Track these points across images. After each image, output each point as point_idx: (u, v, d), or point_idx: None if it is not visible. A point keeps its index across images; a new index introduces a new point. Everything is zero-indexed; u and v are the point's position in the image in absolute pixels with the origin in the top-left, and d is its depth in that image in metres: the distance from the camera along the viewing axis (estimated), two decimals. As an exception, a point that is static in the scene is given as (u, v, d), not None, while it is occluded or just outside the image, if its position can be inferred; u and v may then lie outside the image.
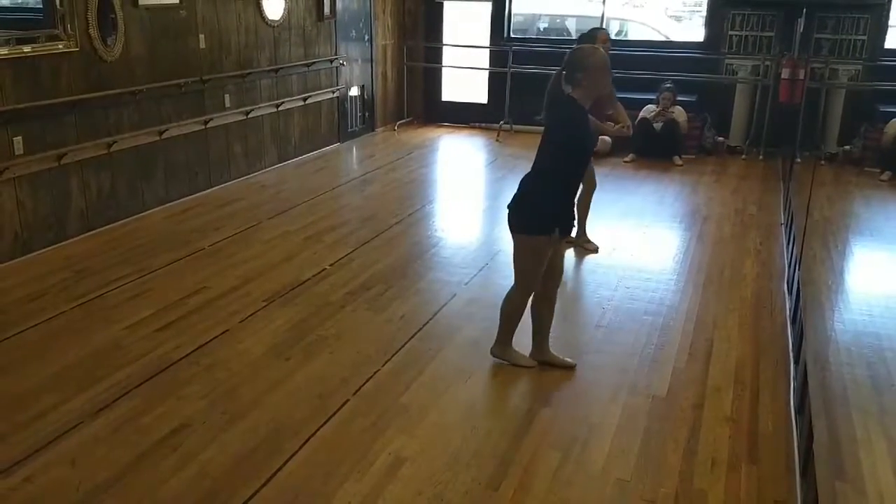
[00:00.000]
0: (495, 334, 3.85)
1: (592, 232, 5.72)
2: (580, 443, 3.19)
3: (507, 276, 5.05)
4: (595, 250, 5.50)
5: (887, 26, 8.39)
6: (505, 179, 7.82)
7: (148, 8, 5.91)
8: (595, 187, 5.64)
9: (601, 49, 3.66)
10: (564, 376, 3.72)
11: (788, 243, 5.42)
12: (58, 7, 5.14)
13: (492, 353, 3.85)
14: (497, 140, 9.38)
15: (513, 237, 3.65)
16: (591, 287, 4.87)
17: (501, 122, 9.64)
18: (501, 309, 3.80)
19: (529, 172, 3.61)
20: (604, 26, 9.46)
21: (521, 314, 3.78)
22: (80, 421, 3.28)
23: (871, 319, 4.69)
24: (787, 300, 4.61)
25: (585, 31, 5.90)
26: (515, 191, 3.63)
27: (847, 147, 8.24)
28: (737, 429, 3.30)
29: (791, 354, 3.93)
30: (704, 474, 2.99)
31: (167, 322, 4.23)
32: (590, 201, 5.65)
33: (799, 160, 7.78)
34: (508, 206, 3.63)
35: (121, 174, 5.86)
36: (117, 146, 5.75)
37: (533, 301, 3.80)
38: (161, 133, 6.16)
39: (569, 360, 3.84)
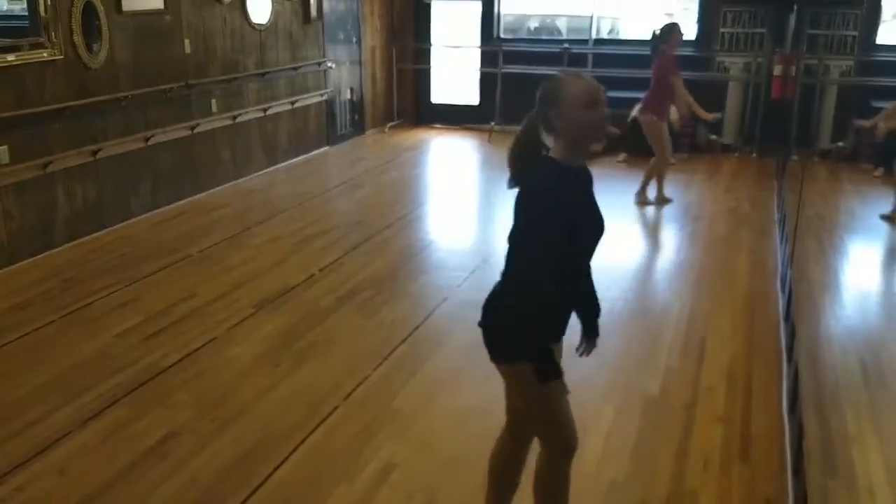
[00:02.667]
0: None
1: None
2: (572, 445, 3.16)
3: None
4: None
5: (879, 21, 8.40)
6: (496, 181, 7.78)
7: (132, 14, 5.87)
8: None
9: (588, 77, 2.27)
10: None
11: (781, 241, 5.41)
12: (42, 15, 5.10)
13: None
14: (488, 141, 9.37)
15: (506, 369, 2.37)
16: (583, 287, 4.85)
17: (492, 124, 9.63)
18: (540, 493, 2.43)
19: (505, 284, 2.36)
20: (592, 24, 9.50)
21: (568, 486, 2.43)
22: (69, 430, 3.25)
23: (863, 316, 4.69)
24: (780, 298, 4.59)
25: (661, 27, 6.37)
26: (486, 304, 2.40)
27: (840, 143, 8.24)
28: (729, 428, 3.28)
29: (784, 353, 3.91)
30: (697, 474, 2.97)
31: (155, 330, 4.19)
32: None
33: (795, 157, 7.78)
34: (481, 325, 2.39)
35: (107, 182, 5.83)
36: (103, 153, 5.72)
37: (501, 451, 2.55)
38: (147, 139, 6.12)
39: None
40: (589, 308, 2.57)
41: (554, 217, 2.16)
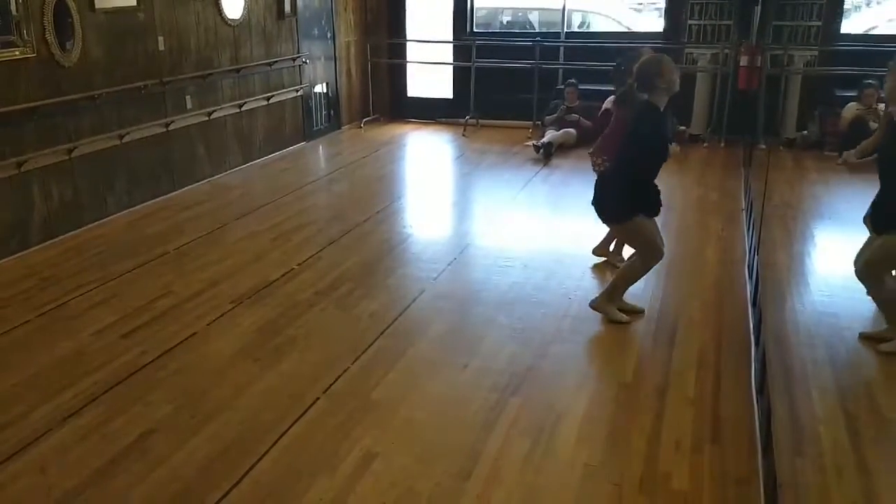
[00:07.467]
0: (464, 327, 3.88)
1: (561, 223, 5.76)
2: (548, 431, 3.23)
3: (475, 270, 5.13)
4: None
5: (842, 12, 8.55)
6: (472, 174, 7.86)
7: (105, 11, 5.85)
8: None
9: (666, 56, 4.11)
10: (533, 367, 3.77)
11: (749, 228, 5.52)
12: (13, 13, 5.07)
13: (595, 307, 4.27)
14: (463, 135, 9.42)
15: (620, 226, 4.32)
16: (558, 278, 4.92)
17: (467, 118, 9.67)
18: (619, 274, 4.29)
19: (615, 175, 4.21)
20: (565, 18, 9.59)
21: (637, 280, 4.29)
22: (49, 429, 3.27)
23: (830, 300, 4.80)
24: (747, 284, 4.70)
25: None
26: (599, 191, 4.30)
27: (804, 132, 8.39)
28: (700, 411, 3.37)
29: (752, 337, 4.02)
30: (669, 456, 3.05)
31: (133, 328, 4.20)
32: None
33: (762, 146, 7.91)
34: (595, 204, 4.27)
35: (82, 180, 5.80)
36: (78, 152, 5.69)
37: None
38: (122, 137, 6.10)
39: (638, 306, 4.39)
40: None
41: (662, 129, 4.05)
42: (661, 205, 4.17)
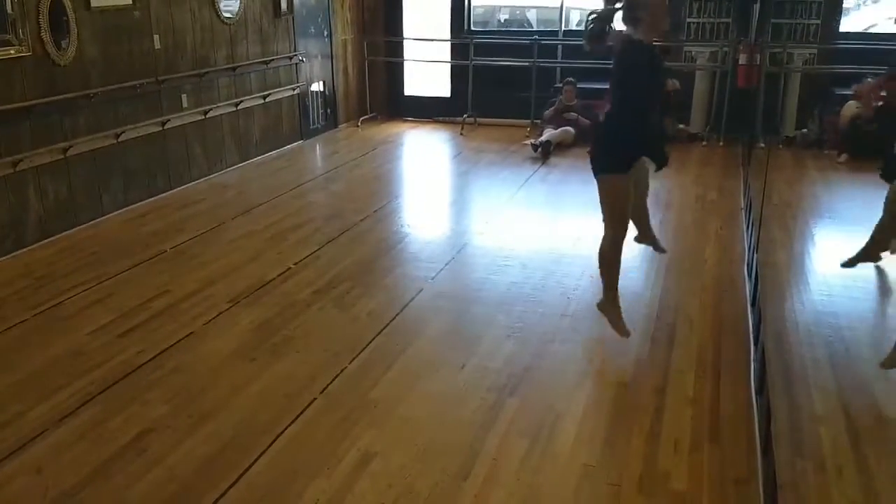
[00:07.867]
0: (462, 326, 3.88)
1: (560, 222, 5.74)
2: (547, 431, 3.22)
3: (474, 269, 5.11)
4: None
5: (841, 10, 8.54)
6: (470, 173, 7.84)
7: (101, 10, 5.82)
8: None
9: None
10: (531, 366, 3.75)
11: (748, 228, 5.51)
12: (8, 12, 5.05)
13: (597, 307, 4.07)
14: (461, 134, 9.40)
15: (596, 180, 3.88)
16: (557, 277, 4.90)
17: (465, 116, 9.66)
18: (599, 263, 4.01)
19: (607, 119, 3.97)
20: (563, 16, 9.57)
21: (613, 261, 3.92)
22: (45, 429, 3.25)
23: (829, 299, 4.78)
24: (747, 283, 4.69)
25: None
26: (593, 143, 4.10)
27: (804, 130, 8.38)
28: (699, 410, 3.35)
29: (751, 336, 4.00)
30: (668, 456, 3.04)
31: (129, 327, 4.18)
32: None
33: (761, 145, 7.90)
34: (589, 153, 4.10)
35: (78, 179, 5.78)
36: (73, 151, 5.67)
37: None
38: (118, 136, 6.08)
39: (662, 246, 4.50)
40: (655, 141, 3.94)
41: (652, 61, 3.73)
42: (664, 155, 3.85)
